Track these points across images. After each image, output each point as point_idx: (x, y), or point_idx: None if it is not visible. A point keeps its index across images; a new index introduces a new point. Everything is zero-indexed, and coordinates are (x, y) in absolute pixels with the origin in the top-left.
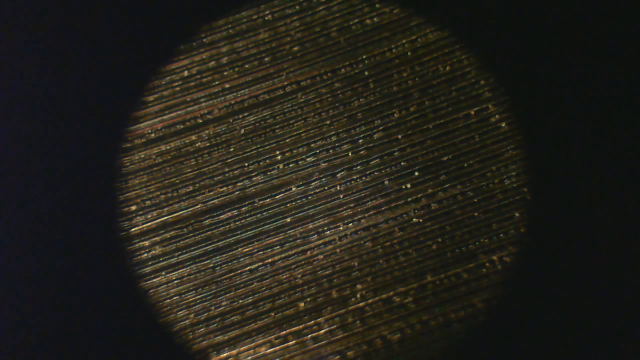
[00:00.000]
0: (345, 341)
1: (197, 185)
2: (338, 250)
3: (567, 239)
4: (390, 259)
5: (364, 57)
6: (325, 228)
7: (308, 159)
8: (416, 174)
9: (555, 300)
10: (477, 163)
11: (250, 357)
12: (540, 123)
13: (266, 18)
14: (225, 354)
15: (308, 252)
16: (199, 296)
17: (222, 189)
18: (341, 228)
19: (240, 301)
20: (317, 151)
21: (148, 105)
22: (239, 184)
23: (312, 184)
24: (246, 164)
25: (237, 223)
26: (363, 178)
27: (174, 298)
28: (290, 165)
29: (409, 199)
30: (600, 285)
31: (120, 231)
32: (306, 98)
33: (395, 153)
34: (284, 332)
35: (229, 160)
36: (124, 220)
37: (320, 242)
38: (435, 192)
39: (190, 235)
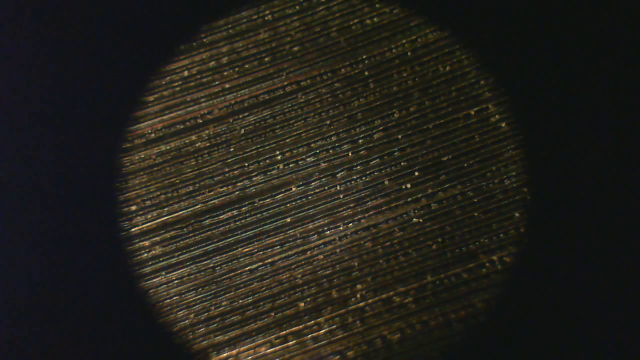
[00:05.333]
0: (345, 341)
1: (197, 185)
2: (338, 250)
3: (567, 239)
4: (390, 259)
5: (364, 57)
6: (325, 228)
7: (308, 159)
8: (416, 174)
9: (555, 300)
10: (477, 163)
11: (250, 357)
12: (540, 123)
13: (266, 18)
14: (225, 354)
15: (308, 252)
16: (199, 296)
17: (222, 189)
18: (341, 228)
19: (240, 301)
20: (317, 151)
21: (148, 105)
22: (239, 184)
23: (312, 184)
24: (246, 164)
25: (237, 223)
26: (363, 178)
27: (174, 298)
28: (290, 165)
29: (409, 199)
30: (600, 285)
31: (120, 231)
32: (306, 98)
33: (395, 153)
34: (284, 332)
35: (229, 160)
36: (124, 220)
37: (320, 242)
38: (435, 192)
39: (190, 235)
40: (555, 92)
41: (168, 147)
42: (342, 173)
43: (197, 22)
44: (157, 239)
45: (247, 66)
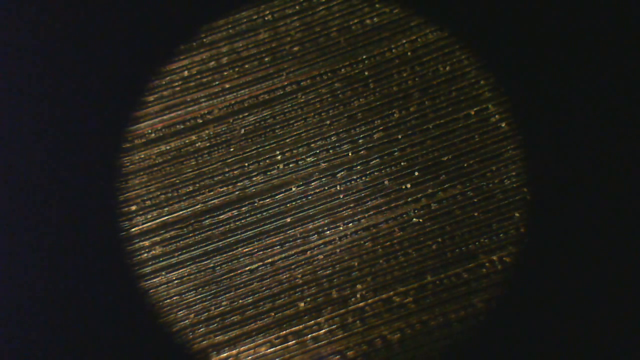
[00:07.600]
0: (345, 341)
1: (197, 185)
2: (338, 250)
3: (567, 238)
4: (390, 259)
5: (364, 57)
6: (325, 228)
7: (308, 159)
8: (416, 174)
9: (555, 300)
10: (477, 163)
11: (250, 357)
12: (540, 123)
13: (266, 18)
14: (225, 354)
15: (308, 252)
16: (199, 296)
17: (222, 189)
18: (341, 228)
19: (240, 301)
20: (317, 151)
21: (148, 105)
22: (239, 184)
23: (312, 184)
24: (246, 164)
25: (237, 223)
26: (363, 178)
27: (174, 298)
28: (290, 165)
29: (409, 199)
30: (600, 285)
31: (120, 231)
32: (306, 98)
33: (395, 153)
34: (284, 332)
35: (229, 160)
36: (124, 220)
37: (320, 242)
38: (435, 192)
39: (190, 235)
40: (555, 92)
41: (168, 147)
42: (342, 173)
43: (197, 22)
44: (157, 239)
45: (247, 66)
